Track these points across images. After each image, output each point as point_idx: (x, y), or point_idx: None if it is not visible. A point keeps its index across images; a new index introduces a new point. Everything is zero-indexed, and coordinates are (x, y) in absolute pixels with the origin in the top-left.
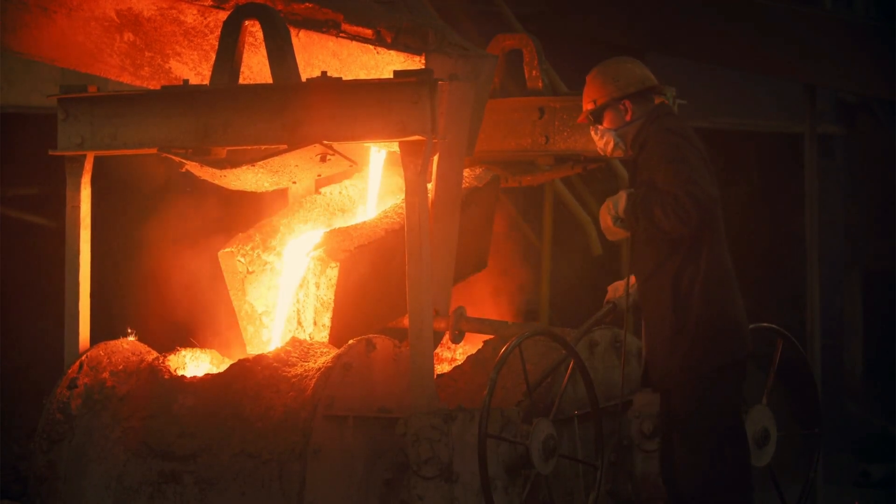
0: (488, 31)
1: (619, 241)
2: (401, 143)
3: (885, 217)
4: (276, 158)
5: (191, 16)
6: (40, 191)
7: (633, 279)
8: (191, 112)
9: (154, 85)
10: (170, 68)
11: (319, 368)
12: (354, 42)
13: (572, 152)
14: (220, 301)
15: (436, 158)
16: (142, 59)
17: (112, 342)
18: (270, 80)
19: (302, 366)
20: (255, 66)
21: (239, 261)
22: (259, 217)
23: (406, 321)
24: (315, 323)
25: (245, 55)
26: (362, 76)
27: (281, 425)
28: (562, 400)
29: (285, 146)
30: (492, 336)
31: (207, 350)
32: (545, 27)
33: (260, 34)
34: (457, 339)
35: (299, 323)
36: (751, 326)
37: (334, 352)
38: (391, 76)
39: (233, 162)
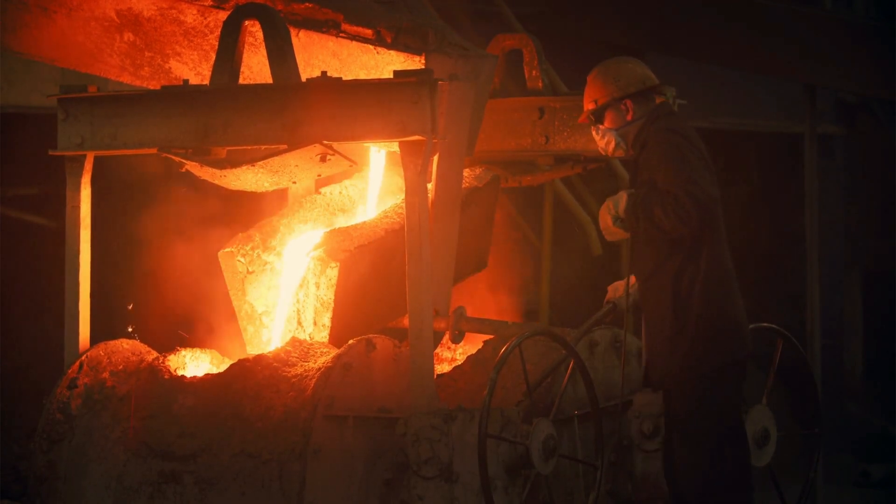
0: (488, 31)
1: (619, 241)
2: (401, 143)
3: (885, 217)
4: (276, 158)
5: (191, 16)
6: (40, 191)
7: (632, 279)
8: (191, 112)
9: (154, 85)
10: (170, 68)
11: (319, 368)
12: (354, 42)
13: (572, 152)
14: (220, 301)
15: (436, 158)
16: (142, 59)
17: (112, 342)
18: (270, 80)
19: (302, 366)
20: (255, 66)
21: (239, 261)
22: (259, 216)
23: (406, 321)
24: (315, 323)
25: (245, 55)
26: (362, 76)
27: (281, 425)
28: (562, 400)
29: (285, 146)
30: (492, 336)
31: (207, 350)
32: (545, 27)
33: (260, 34)
34: (457, 339)
35: (299, 323)
36: (751, 326)
37: (334, 352)
38: (391, 76)
39: (233, 162)
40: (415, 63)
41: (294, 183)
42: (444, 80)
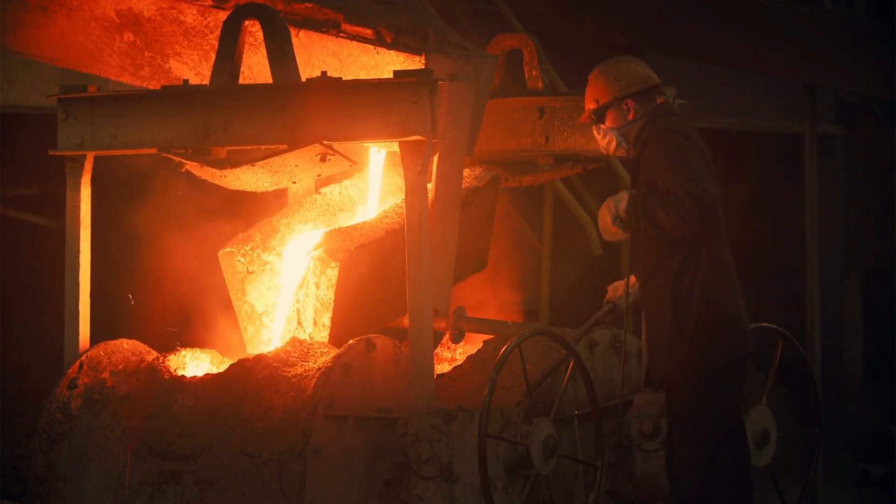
0: (488, 31)
1: (619, 241)
2: (401, 143)
3: (885, 217)
4: (276, 158)
5: (191, 16)
6: (40, 191)
7: (632, 279)
8: (191, 112)
9: (154, 85)
10: (170, 68)
11: (319, 368)
12: (354, 42)
13: (572, 152)
14: (220, 301)
15: (436, 158)
16: (142, 59)
17: (112, 342)
18: (270, 80)
19: (302, 366)
20: (255, 66)
21: (239, 261)
22: (259, 215)
23: (406, 321)
24: (315, 323)
25: (245, 55)
26: (362, 76)
27: (281, 425)
28: (562, 400)
29: (285, 146)
30: (492, 336)
31: (207, 350)
32: (545, 27)
33: (260, 34)
34: (457, 339)
35: (299, 323)
36: (751, 326)
37: (334, 352)
38: (391, 76)
39: (233, 162)
40: (415, 63)
41: (294, 183)
42: (444, 80)
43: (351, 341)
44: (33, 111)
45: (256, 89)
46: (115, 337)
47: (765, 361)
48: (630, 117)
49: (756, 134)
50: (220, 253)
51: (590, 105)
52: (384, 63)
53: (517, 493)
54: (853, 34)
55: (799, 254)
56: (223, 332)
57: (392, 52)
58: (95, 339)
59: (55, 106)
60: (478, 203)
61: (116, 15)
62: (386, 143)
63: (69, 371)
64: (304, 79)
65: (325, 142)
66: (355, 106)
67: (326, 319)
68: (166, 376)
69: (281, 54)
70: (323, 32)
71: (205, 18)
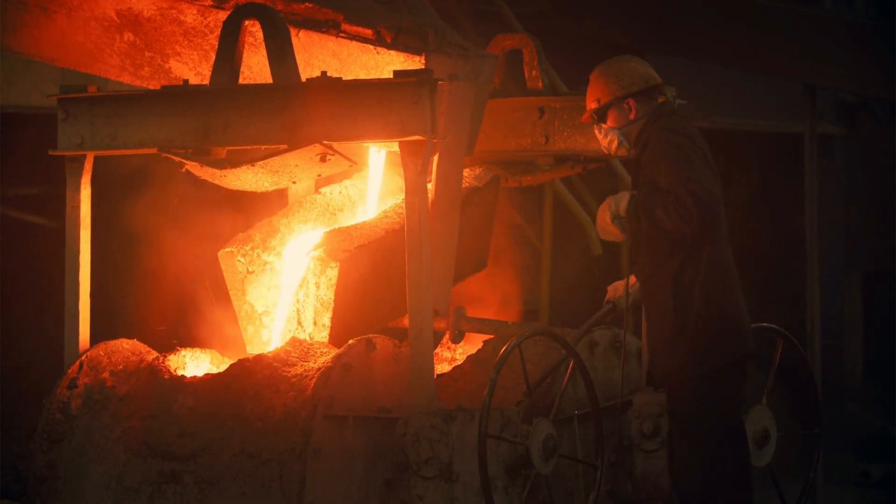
0: (488, 31)
1: (616, 241)
2: (401, 143)
3: (885, 217)
4: (276, 158)
5: (191, 16)
6: (40, 191)
7: (632, 279)
8: (191, 112)
9: (154, 85)
10: (170, 68)
11: (319, 368)
12: (354, 42)
13: (572, 152)
14: (220, 301)
15: (436, 158)
16: (142, 59)
17: (112, 342)
18: (270, 80)
19: (302, 366)
20: (255, 66)
21: (239, 261)
22: (259, 216)
23: (406, 321)
24: (315, 323)
25: (245, 55)
26: (362, 76)
27: (281, 425)
28: (562, 400)
29: (285, 146)
30: (492, 336)
31: (207, 350)
32: (545, 27)
33: (260, 34)
34: (457, 339)
35: (299, 323)
36: (751, 326)
37: (334, 352)
38: (391, 76)
39: (233, 162)
40: (415, 63)
41: (294, 183)
42: (444, 80)
43: (351, 341)
44: (33, 111)
45: (256, 89)
46: (115, 337)
47: (765, 361)
48: (632, 117)
49: (756, 134)
50: (220, 253)
51: (591, 104)
52: (384, 63)
53: (517, 493)
54: (853, 34)
55: (799, 254)
56: (223, 332)
57: (392, 52)
58: (95, 339)
59: (55, 106)
60: (478, 203)
61: (116, 15)
62: (386, 143)
63: (69, 371)
64: (304, 79)
65: (325, 142)
66: (355, 106)
67: (326, 319)
68: (166, 376)
69: (281, 54)
70: (323, 32)
71: (205, 18)
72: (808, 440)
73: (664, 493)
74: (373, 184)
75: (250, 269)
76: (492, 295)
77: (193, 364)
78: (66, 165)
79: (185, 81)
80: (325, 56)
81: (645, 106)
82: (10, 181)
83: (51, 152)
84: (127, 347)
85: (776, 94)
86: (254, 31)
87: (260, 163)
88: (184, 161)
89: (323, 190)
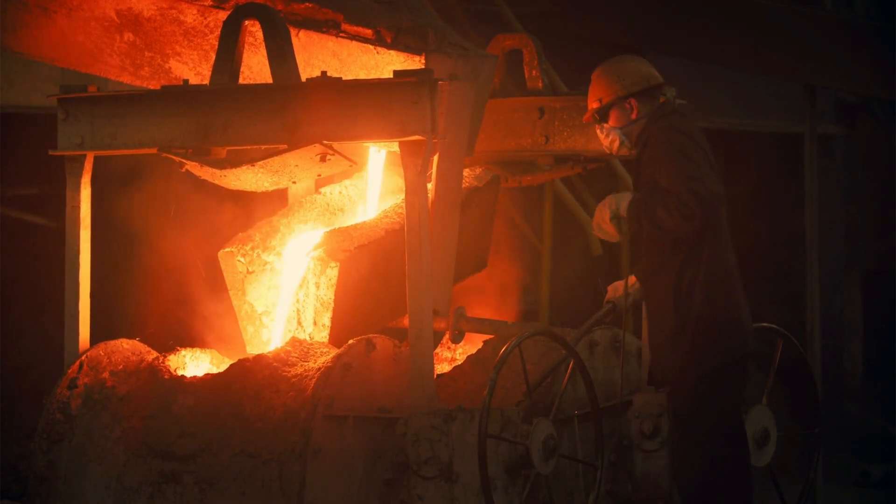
0: (488, 31)
1: (611, 242)
2: (401, 143)
3: (885, 217)
4: (276, 158)
5: (191, 16)
6: (40, 191)
7: (632, 279)
8: (191, 112)
9: (154, 85)
10: (170, 68)
11: (319, 368)
12: (354, 42)
13: (572, 152)
14: (220, 301)
15: (436, 158)
16: (142, 59)
17: (112, 342)
18: (270, 80)
19: (302, 366)
20: (255, 66)
21: (239, 261)
22: (259, 216)
23: (406, 321)
24: (315, 323)
25: (245, 55)
26: (362, 76)
27: (281, 425)
28: (562, 400)
29: (285, 146)
30: (492, 336)
31: (207, 350)
32: (545, 27)
33: (260, 34)
34: (457, 339)
35: (299, 323)
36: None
37: (334, 352)
38: (391, 76)
39: (233, 162)
40: (415, 63)
41: (294, 183)
42: (444, 80)
43: (351, 341)
44: (33, 111)
45: (256, 89)
46: (115, 337)
47: (765, 361)
48: (633, 116)
49: (756, 134)
50: (220, 253)
51: (593, 104)
52: (384, 63)
53: (517, 493)
54: (853, 34)
55: (799, 254)
56: (223, 332)
57: (392, 52)
58: (95, 339)
59: (55, 106)
60: (478, 203)
61: (116, 15)
62: (386, 143)
63: (69, 371)
64: (304, 79)
65: (325, 142)
66: (355, 106)
67: (326, 319)
68: (166, 376)
69: (281, 54)
70: (323, 32)
71: (205, 18)
72: (808, 440)
73: (664, 493)
74: (373, 184)
75: (250, 269)
76: (492, 295)
77: (193, 364)
78: (66, 165)
79: (185, 81)
80: (325, 56)
81: (646, 105)
82: (10, 181)
83: (51, 152)
84: (127, 347)
85: (776, 94)
86: (254, 31)
87: (260, 163)
88: (184, 161)
89: (323, 190)
